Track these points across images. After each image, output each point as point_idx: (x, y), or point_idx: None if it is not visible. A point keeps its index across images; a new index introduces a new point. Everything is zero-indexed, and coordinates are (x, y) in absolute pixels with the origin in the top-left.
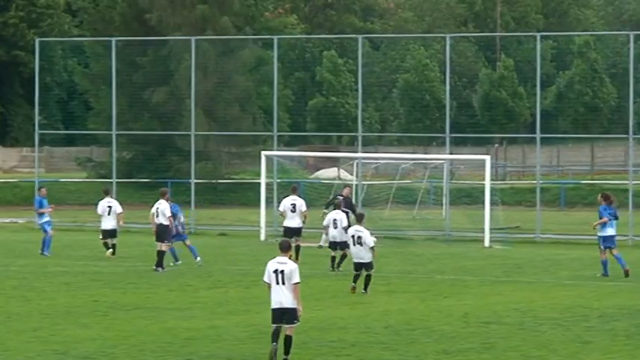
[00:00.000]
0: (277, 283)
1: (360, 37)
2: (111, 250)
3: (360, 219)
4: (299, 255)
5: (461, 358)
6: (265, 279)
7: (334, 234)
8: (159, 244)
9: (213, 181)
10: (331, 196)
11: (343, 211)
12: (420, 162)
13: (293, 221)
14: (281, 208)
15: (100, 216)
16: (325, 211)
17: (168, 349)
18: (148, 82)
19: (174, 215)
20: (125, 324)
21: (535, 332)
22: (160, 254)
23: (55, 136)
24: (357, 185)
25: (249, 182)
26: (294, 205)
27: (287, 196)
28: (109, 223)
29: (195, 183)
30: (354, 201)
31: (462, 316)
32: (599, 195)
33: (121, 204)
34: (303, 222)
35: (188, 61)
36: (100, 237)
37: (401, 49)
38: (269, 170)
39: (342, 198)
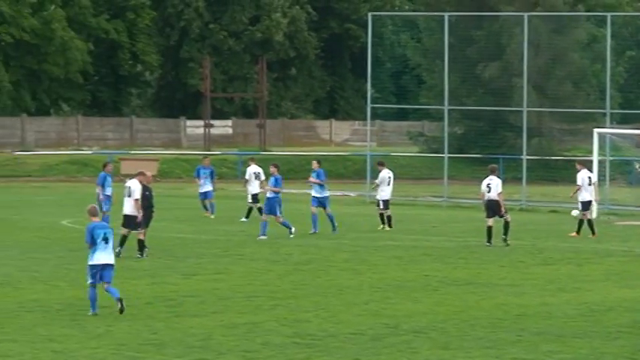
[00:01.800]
0: None
1: None
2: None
3: None
4: None
5: None
6: None
7: None
8: (490, 219)
9: (545, 157)
10: None
11: None
12: None
13: None
14: None
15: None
16: None
17: (499, 325)
18: (481, 57)
19: None
20: (456, 299)
21: None
22: (490, 230)
23: (387, 110)
24: None
25: (581, 159)
26: None
27: None
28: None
29: (527, 159)
30: None
31: None
32: None
33: (450, 179)
34: None
35: (520, 37)
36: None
37: None
38: (601, 148)
39: None
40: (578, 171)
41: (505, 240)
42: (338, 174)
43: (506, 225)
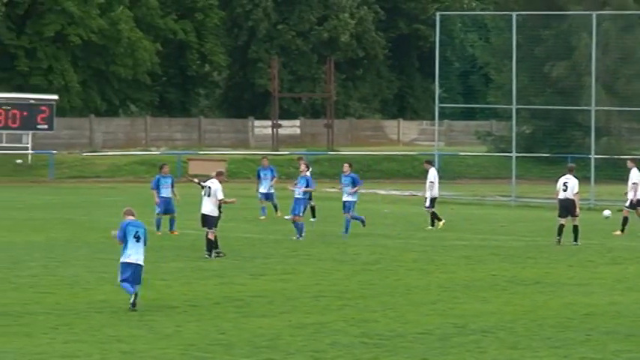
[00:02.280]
0: None
1: None
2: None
3: None
4: None
5: None
6: None
7: None
8: (563, 219)
9: (614, 156)
10: None
11: None
12: None
13: None
14: None
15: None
16: None
17: (568, 325)
18: (549, 56)
19: None
20: (524, 298)
21: None
22: (561, 228)
23: (455, 110)
24: None
25: (634, 158)
26: None
27: None
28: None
29: (595, 158)
30: None
31: None
32: None
33: (518, 178)
34: None
35: (588, 36)
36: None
37: None
38: None
39: None
40: (630, 169)
41: (576, 244)
42: (406, 174)
43: (576, 230)
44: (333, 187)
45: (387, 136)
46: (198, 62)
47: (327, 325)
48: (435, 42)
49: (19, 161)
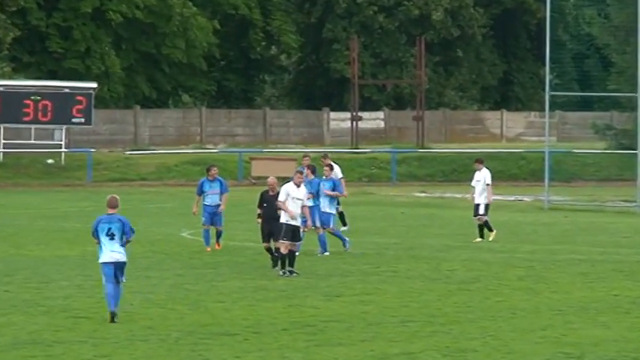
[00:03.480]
0: None
1: None
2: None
3: None
4: None
5: None
6: None
7: None
8: None
9: None
10: None
11: None
12: None
13: None
14: None
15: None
16: None
17: None
18: None
19: None
20: None
21: None
22: None
23: (569, 99)
24: None
25: None
26: None
27: None
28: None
29: None
30: None
31: None
32: None
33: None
34: None
35: None
36: None
37: None
38: None
39: None
40: None
41: None
42: (510, 175)
43: None
44: (423, 192)
45: (488, 130)
46: (263, 43)
47: (416, 355)
48: (544, 19)
49: (50, 161)
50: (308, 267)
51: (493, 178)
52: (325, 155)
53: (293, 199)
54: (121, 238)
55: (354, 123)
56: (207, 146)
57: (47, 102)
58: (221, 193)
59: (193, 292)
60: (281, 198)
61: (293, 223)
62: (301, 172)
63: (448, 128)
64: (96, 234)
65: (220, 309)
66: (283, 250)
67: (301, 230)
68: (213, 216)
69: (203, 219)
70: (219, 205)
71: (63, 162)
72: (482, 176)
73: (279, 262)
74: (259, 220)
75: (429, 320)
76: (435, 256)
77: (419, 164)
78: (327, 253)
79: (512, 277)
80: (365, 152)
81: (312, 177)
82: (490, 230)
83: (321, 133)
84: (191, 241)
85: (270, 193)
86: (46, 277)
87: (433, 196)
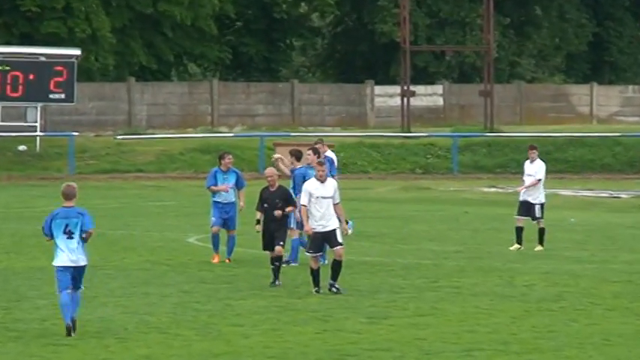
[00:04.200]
0: None
1: None
2: None
3: None
4: None
5: None
6: None
7: None
8: None
9: None
10: None
11: None
12: None
13: None
14: None
15: None
16: None
17: None
18: None
19: None
20: None
21: None
22: None
23: None
24: None
25: None
26: None
27: None
28: None
29: None
30: None
31: None
32: None
33: None
34: None
35: None
36: None
37: None
38: None
39: None
40: None
41: None
42: (602, 165)
43: None
44: (493, 187)
45: (575, 108)
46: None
47: None
48: None
49: (22, 147)
50: (347, 282)
51: (580, 168)
52: (320, 140)
53: (317, 199)
54: (81, 236)
55: (405, 100)
56: (220, 129)
57: (18, 73)
58: (237, 187)
59: (203, 313)
60: (303, 201)
61: (324, 227)
62: (322, 164)
63: (524, 106)
64: (49, 231)
65: (237, 334)
66: (313, 266)
67: (338, 233)
68: (225, 215)
69: (213, 219)
70: (233, 203)
71: (38, 149)
72: (534, 170)
73: (312, 279)
74: (258, 228)
75: (500, 349)
76: (507, 268)
77: (487, 152)
78: (294, 264)
79: (606, 294)
80: (419, 137)
81: (299, 165)
82: (541, 242)
83: (363, 113)
84: (200, 249)
85: (271, 189)
86: (17, 294)
87: (505, 192)
